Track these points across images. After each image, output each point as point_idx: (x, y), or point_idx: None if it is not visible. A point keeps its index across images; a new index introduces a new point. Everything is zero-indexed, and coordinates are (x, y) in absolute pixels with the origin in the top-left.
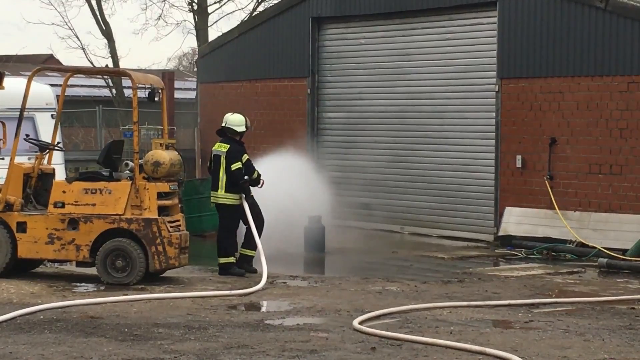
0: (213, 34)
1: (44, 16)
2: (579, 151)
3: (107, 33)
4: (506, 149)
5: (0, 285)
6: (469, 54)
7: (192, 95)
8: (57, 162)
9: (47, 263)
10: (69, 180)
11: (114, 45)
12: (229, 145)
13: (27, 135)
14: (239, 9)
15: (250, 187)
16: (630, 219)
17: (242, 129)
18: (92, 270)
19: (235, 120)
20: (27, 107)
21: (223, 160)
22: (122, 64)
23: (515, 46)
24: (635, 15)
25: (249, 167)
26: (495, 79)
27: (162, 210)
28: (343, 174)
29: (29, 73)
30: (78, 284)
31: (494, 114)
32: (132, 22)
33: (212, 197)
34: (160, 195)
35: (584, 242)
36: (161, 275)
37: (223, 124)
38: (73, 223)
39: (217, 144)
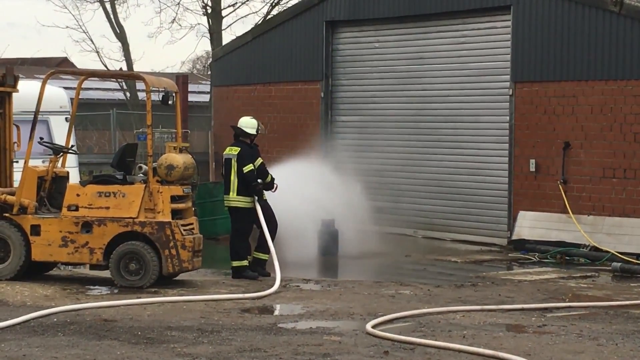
0: (227, 37)
1: (58, 19)
2: (593, 155)
3: (121, 36)
4: (520, 153)
5: (14, 288)
6: (483, 58)
7: (205, 98)
8: (71, 165)
9: (61, 266)
10: (82, 183)
11: (128, 49)
12: (239, 148)
13: (41, 138)
14: (253, 13)
15: (264, 190)
16: None
17: (252, 131)
18: (106, 273)
19: (247, 123)
20: (41, 110)
21: (234, 163)
22: (136, 67)
23: (529, 50)
24: None
25: (262, 171)
26: (509, 83)
27: (176, 214)
28: (357, 178)
29: (43, 76)
30: (91, 287)
31: (507, 117)
32: (147, 25)
33: (225, 201)
34: (174, 199)
35: (597, 246)
36: (174, 279)
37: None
38: (87, 226)
39: (228, 147)
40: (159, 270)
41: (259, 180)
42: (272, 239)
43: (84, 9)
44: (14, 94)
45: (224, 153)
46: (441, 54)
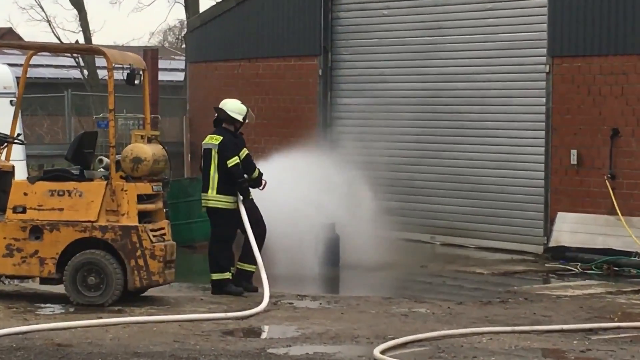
0: (205, 3)
1: None
2: None
3: (77, 2)
4: (559, 142)
5: None
6: (515, 28)
7: (179, 77)
8: (17, 158)
9: (6, 280)
10: (31, 180)
11: (85, 17)
12: (221, 137)
13: None
14: None
15: (250, 188)
16: None
17: (239, 117)
18: (60, 289)
19: (233, 106)
20: None
21: (215, 155)
22: (96, 40)
23: (570, 18)
24: None
25: (248, 164)
26: (545, 58)
27: (144, 216)
28: (362, 173)
29: None
30: (42, 305)
31: (544, 99)
32: None
33: (202, 200)
34: (141, 198)
35: None
36: (142, 295)
37: (219, 106)
38: (36, 232)
39: (208, 136)
40: (123, 284)
41: (245, 176)
42: (260, 247)
43: None
44: None
45: (204, 142)
46: (464, 22)
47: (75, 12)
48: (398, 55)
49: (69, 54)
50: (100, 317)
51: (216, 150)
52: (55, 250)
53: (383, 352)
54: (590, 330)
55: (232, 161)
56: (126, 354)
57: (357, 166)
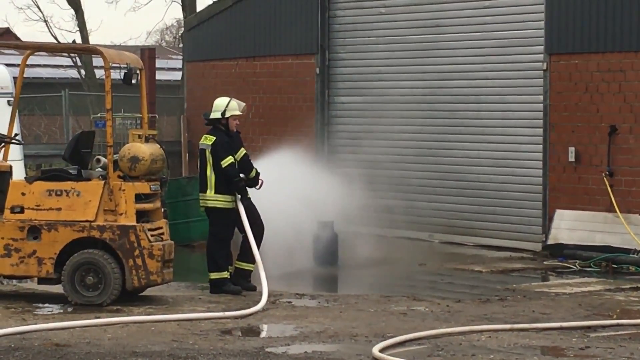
0: (203, 2)
1: None
2: None
3: (74, 2)
4: (556, 139)
5: None
6: (512, 25)
7: (177, 76)
8: (14, 158)
9: (4, 280)
10: (29, 179)
11: (82, 17)
12: (214, 138)
13: None
14: None
15: (247, 187)
16: None
17: (217, 115)
18: (58, 289)
19: (214, 106)
20: None
21: (209, 156)
22: (93, 40)
23: (567, 15)
24: None
25: (245, 164)
26: (542, 55)
27: (142, 216)
28: (359, 171)
29: None
30: (41, 305)
31: (541, 97)
32: None
33: (200, 200)
34: (139, 198)
35: None
36: (140, 294)
37: None
38: (34, 231)
39: (204, 136)
40: (121, 284)
41: (242, 175)
42: (258, 246)
43: None
44: None
45: (200, 142)
46: (461, 20)
47: (72, 11)
48: (395, 54)
49: (66, 54)
50: (99, 317)
51: (209, 150)
52: (54, 250)
53: (382, 350)
54: (589, 327)
55: (226, 161)
56: (125, 354)
57: (354, 164)
